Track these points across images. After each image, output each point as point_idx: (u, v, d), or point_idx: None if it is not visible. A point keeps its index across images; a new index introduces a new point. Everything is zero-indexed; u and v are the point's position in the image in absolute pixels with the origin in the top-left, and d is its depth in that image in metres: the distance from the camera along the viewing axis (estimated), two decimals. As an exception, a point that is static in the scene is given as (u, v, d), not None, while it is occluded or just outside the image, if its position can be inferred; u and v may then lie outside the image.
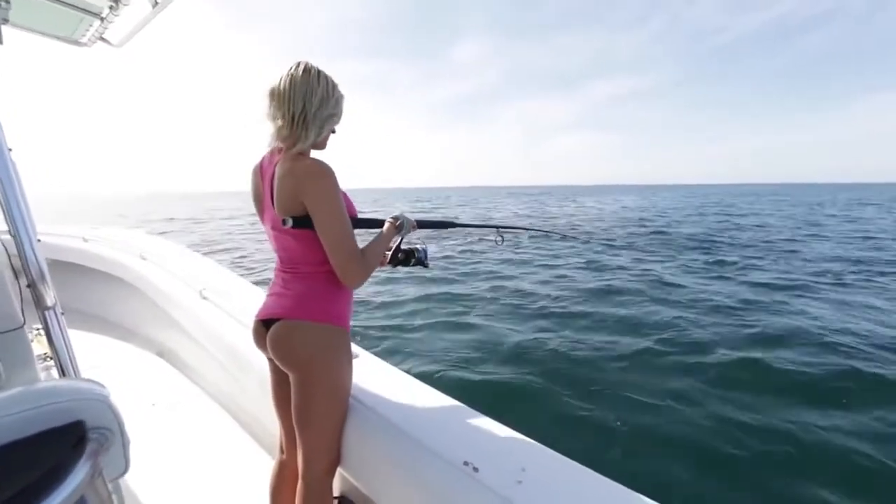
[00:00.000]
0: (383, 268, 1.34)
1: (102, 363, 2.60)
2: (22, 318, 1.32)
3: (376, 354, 1.53)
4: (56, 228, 3.88)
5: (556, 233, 3.43)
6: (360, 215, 1.23)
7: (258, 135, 1.16)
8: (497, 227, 1.68)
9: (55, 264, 3.52)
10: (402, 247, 1.32)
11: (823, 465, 2.58)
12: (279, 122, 1.07)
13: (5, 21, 1.31)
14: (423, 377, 1.41)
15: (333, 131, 1.17)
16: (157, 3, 1.45)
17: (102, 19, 1.63)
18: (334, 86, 1.11)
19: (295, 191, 1.04)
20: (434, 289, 6.75)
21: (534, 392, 3.46)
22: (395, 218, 1.28)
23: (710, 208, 30.30)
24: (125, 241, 3.36)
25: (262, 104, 1.09)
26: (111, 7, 1.54)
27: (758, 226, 17.04)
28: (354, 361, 1.40)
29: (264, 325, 1.18)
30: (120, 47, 1.84)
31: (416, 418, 1.15)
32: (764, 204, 35.83)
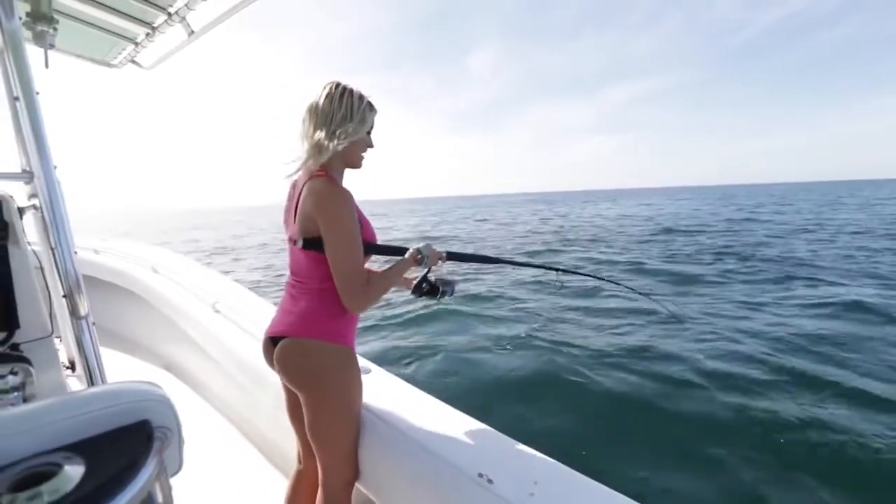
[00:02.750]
0: (407, 295, 1.34)
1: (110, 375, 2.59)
2: (51, 327, 1.37)
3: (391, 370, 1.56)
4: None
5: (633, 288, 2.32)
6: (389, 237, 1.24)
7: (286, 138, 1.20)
8: (546, 267, 1.63)
9: None
10: (430, 277, 1.31)
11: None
12: (305, 145, 1.14)
13: (52, 46, 1.39)
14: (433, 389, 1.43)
15: (371, 145, 1.20)
16: (192, 31, 1.55)
17: (137, 44, 1.72)
18: (360, 103, 1.13)
19: (312, 210, 1.09)
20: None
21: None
22: (418, 250, 1.26)
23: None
24: (136, 254, 3.39)
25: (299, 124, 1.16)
26: (147, 34, 1.63)
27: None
28: (368, 377, 1.43)
29: (272, 342, 1.19)
30: (150, 70, 1.93)
31: (431, 432, 1.17)
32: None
